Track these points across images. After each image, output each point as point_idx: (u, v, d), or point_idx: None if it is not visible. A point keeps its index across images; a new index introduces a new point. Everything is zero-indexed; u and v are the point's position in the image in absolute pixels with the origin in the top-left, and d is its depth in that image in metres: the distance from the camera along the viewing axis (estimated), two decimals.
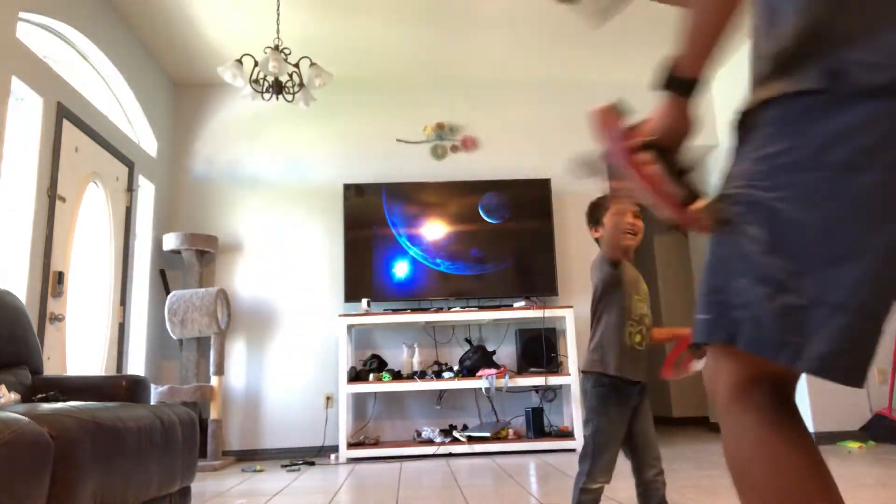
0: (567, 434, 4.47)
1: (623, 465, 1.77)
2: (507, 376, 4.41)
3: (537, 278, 4.88)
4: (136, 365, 4.44)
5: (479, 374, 4.44)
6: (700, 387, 4.45)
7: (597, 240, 1.89)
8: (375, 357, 4.67)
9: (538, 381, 4.48)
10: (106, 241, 4.13)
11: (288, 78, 3.97)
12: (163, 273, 4.85)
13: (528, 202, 5.01)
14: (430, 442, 4.41)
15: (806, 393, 4.27)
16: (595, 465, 1.68)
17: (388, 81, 5.31)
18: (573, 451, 4.31)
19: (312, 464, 4.21)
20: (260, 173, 5.14)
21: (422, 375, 4.53)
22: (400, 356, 4.77)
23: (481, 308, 4.68)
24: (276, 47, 3.84)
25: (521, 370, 4.68)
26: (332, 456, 4.37)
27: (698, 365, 1.72)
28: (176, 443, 2.07)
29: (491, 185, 5.02)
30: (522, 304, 4.63)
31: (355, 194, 4.97)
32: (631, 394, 1.73)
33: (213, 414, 4.34)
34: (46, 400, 2.18)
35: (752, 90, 0.88)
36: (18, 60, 3.18)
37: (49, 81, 3.46)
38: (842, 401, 4.28)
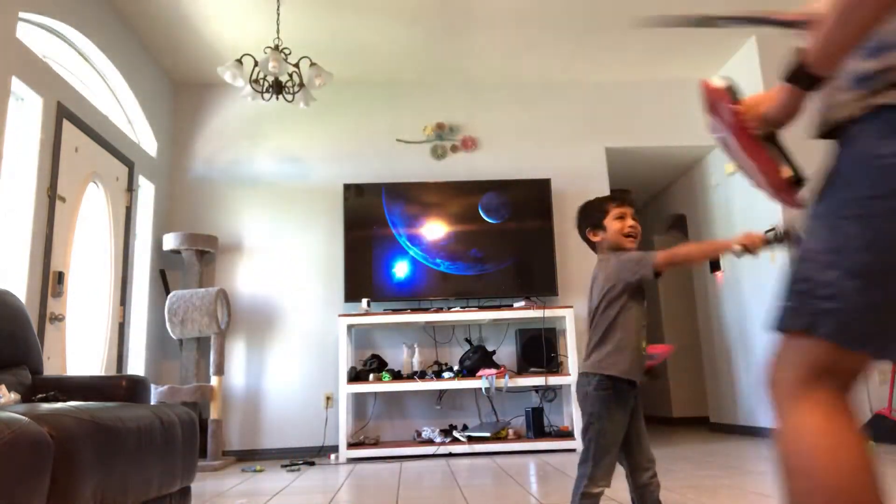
0: (567, 434, 4.47)
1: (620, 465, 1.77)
2: (507, 376, 4.41)
3: (537, 278, 4.88)
4: (136, 365, 4.44)
5: (479, 374, 4.44)
6: (700, 387, 4.46)
7: (593, 243, 1.86)
8: (375, 357, 4.67)
9: (538, 381, 4.48)
10: (106, 241, 4.13)
11: (288, 78, 3.97)
12: (163, 273, 4.85)
13: (528, 202, 5.01)
14: (430, 442, 4.41)
15: None
16: (597, 468, 1.66)
17: (388, 81, 5.31)
18: (573, 451, 4.31)
19: (312, 464, 4.21)
20: (260, 173, 5.14)
21: (422, 375, 4.53)
22: (400, 356, 4.77)
23: (481, 308, 4.68)
24: (276, 47, 3.84)
25: (521, 370, 4.68)
26: (332, 456, 4.37)
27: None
28: (176, 443, 2.07)
29: (491, 185, 5.02)
30: (522, 304, 4.63)
31: (355, 194, 4.97)
32: (630, 396, 1.72)
33: (213, 414, 4.34)
34: (46, 400, 2.18)
35: (856, 97, 0.90)
36: (18, 60, 3.18)
37: (49, 81, 3.46)
38: None
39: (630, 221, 1.79)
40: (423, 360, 4.70)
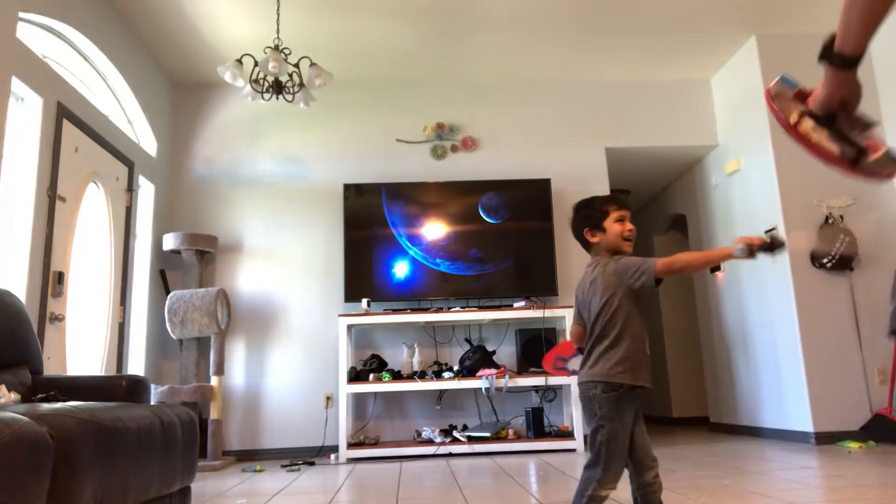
0: (567, 434, 4.47)
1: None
2: (507, 376, 4.41)
3: (537, 278, 4.88)
4: (136, 365, 4.44)
5: (479, 374, 4.44)
6: (700, 387, 4.46)
7: (591, 244, 1.83)
8: (375, 357, 4.67)
9: (538, 381, 4.48)
10: (106, 241, 4.13)
11: (288, 78, 3.97)
12: (163, 273, 4.85)
13: (528, 202, 5.01)
14: (430, 442, 4.42)
15: (806, 393, 4.27)
16: (608, 470, 1.64)
17: (388, 81, 5.31)
18: (573, 451, 4.31)
19: (312, 464, 4.21)
20: (260, 173, 5.14)
21: (422, 375, 4.53)
22: (400, 356, 4.77)
23: (481, 308, 4.68)
24: (276, 47, 3.84)
25: (521, 370, 4.68)
26: (332, 456, 4.37)
27: (573, 366, 1.76)
28: (176, 443, 2.07)
29: (491, 185, 5.02)
30: (522, 304, 4.63)
31: (355, 194, 4.97)
32: (635, 397, 1.71)
33: (213, 414, 4.34)
34: (46, 400, 2.18)
35: None
36: (18, 60, 3.18)
37: (49, 81, 3.46)
38: (842, 401, 4.28)
39: (629, 225, 1.78)
40: (423, 360, 4.70)
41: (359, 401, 4.78)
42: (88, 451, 1.52)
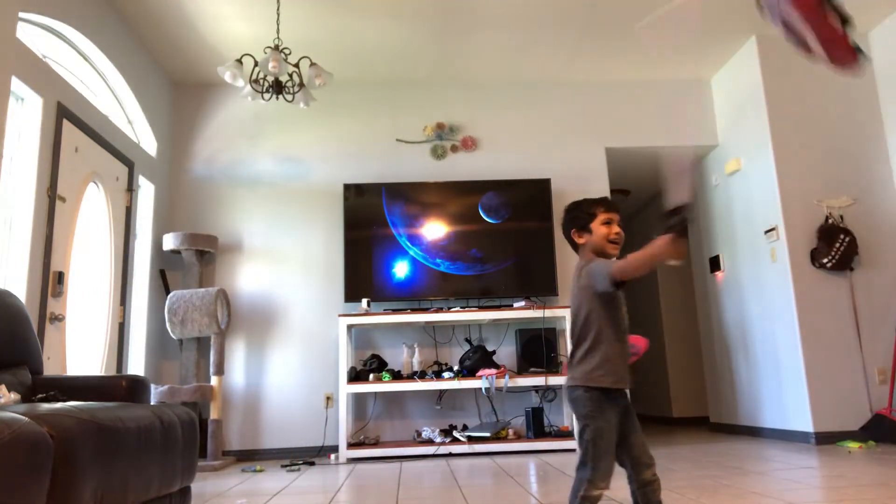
0: (567, 434, 4.48)
1: (619, 466, 1.77)
2: (507, 376, 4.41)
3: (537, 278, 4.88)
4: (136, 365, 4.44)
5: (479, 374, 4.44)
6: (700, 387, 4.46)
7: (579, 245, 1.84)
8: (375, 357, 4.67)
9: (538, 381, 4.48)
10: (106, 241, 4.13)
11: (288, 78, 3.97)
12: (163, 273, 4.85)
13: (528, 202, 5.01)
14: (430, 442, 4.42)
15: (806, 393, 4.27)
16: (597, 470, 1.65)
17: (388, 81, 5.31)
18: (573, 451, 4.32)
19: (312, 464, 4.21)
20: (260, 173, 5.14)
21: (422, 375, 4.53)
22: (400, 356, 4.77)
23: (481, 308, 4.68)
24: (276, 47, 3.84)
25: (521, 370, 4.68)
26: (332, 456, 4.37)
27: None
28: (176, 443, 2.07)
29: (491, 185, 5.02)
30: (522, 304, 4.63)
31: (355, 194, 4.97)
32: (619, 396, 1.72)
33: (213, 414, 4.34)
34: (46, 400, 2.18)
35: None
36: (18, 60, 3.18)
37: (49, 81, 3.46)
38: (842, 401, 4.28)
39: (616, 228, 1.79)
40: (423, 360, 4.71)
41: (359, 401, 4.78)
42: (88, 451, 1.52)
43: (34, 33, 3.54)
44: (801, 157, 4.65)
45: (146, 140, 4.77)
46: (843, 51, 1.09)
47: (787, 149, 4.65)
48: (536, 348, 4.65)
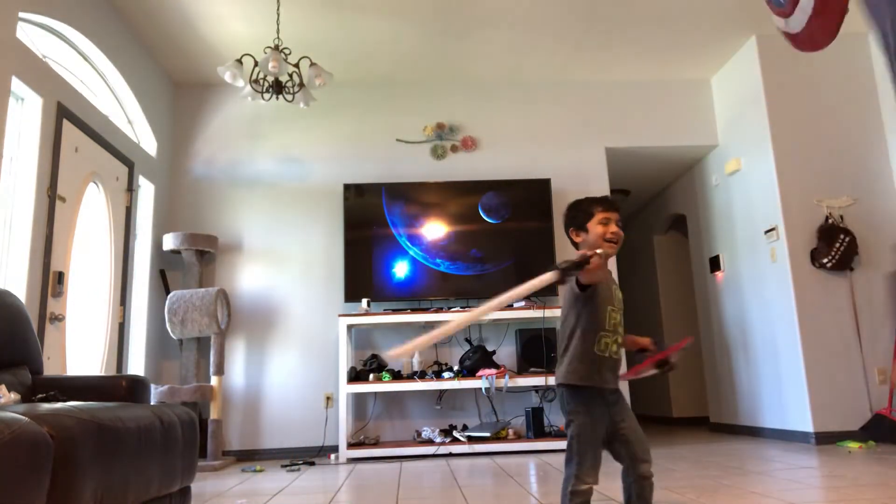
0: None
1: (617, 464, 1.77)
2: (507, 376, 4.41)
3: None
4: (136, 365, 4.44)
5: (479, 374, 4.44)
6: (700, 387, 4.46)
7: (576, 244, 1.87)
8: (375, 357, 4.67)
9: (538, 381, 4.48)
10: (106, 241, 4.13)
11: (288, 78, 3.97)
12: (163, 273, 4.85)
13: (528, 202, 5.01)
14: (430, 442, 4.42)
15: (806, 393, 4.27)
16: (582, 465, 1.67)
17: (388, 81, 5.31)
18: None
19: (312, 464, 4.21)
20: (260, 173, 5.14)
21: (422, 375, 4.53)
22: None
23: None
24: (276, 47, 3.84)
25: (521, 370, 4.68)
26: (332, 456, 4.37)
27: (650, 371, 1.77)
28: (176, 443, 2.07)
29: (491, 185, 5.02)
30: (522, 304, 4.63)
31: (355, 194, 4.97)
32: (606, 393, 1.73)
33: (213, 414, 4.34)
34: (46, 400, 2.18)
35: None
36: (18, 60, 3.18)
37: (49, 81, 3.46)
38: (842, 401, 4.28)
39: (613, 227, 1.80)
40: (423, 360, 4.71)
41: (359, 401, 4.78)
42: (88, 451, 1.52)
43: (34, 33, 3.54)
44: (801, 157, 4.65)
45: (146, 140, 4.77)
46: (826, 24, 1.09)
47: (786, 149, 4.65)
48: (536, 348, 4.65)
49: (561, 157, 5.27)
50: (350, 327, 4.65)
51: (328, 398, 4.77)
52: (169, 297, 4.42)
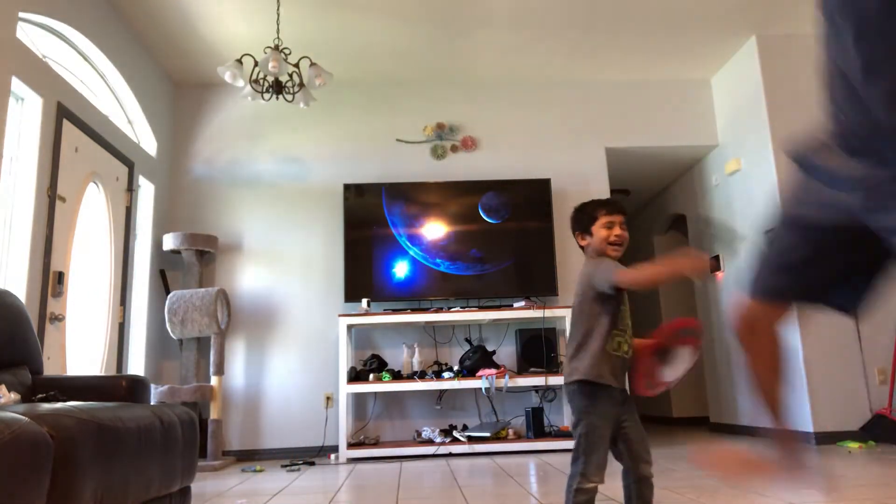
0: (567, 434, 4.47)
1: (618, 464, 1.77)
2: (507, 376, 4.41)
3: (537, 278, 4.88)
4: (136, 365, 4.44)
5: (479, 374, 4.44)
6: (700, 387, 4.45)
7: (583, 247, 1.90)
8: (375, 357, 4.67)
9: (538, 381, 4.48)
10: (106, 241, 4.13)
11: (288, 78, 3.97)
12: (163, 273, 4.85)
13: (528, 202, 5.01)
14: (430, 442, 4.41)
15: (806, 393, 4.27)
16: (589, 463, 1.68)
17: (388, 81, 5.31)
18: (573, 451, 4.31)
19: (312, 464, 4.21)
20: (260, 173, 5.14)
21: (422, 375, 4.53)
22: (400, 356, 4.77)
23: (481, 308, 4.68)
24: (276, 47, 3.84)
25: (521, 370, 4.68)
26: (332, 456, 4.37)
27: (669, 375, 1.75)
28: (176, 443, 2.07)
29: (491, 185, 5.02)
30: (522, 304, 4.63)
31: (355, 194, 4.97)
32: (615, 391, 1.73)
33: (213, 414, 4.34)
34: (46, 400, 2.18)
35: None
36: (18, 60, 3.18)
37: (49, 81, 3.46)
38: (842, 401, 4.28)
39: (617, 231, 1.82)
40: (423, 360, 4.70)
41: (359, 401, 4.78)
42: (88, 451, 1.52)
43: (34, 33, 3.54)
44: None
45: (146, 140, 4.77)
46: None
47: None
48: (536, 348, 4.65)
49: (561, 157, 5.27)
50: (350, 327, 4.65)
51: (328, 398, 4.77)
52: (169, 297, 4.42)
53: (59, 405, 1.70)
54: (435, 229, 4.93)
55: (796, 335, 4.37)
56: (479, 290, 4.85)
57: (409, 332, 4.89)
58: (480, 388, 4.45)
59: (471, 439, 4.40)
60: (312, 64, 4.00)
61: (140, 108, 4.61)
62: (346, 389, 4.39)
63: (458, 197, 5.00)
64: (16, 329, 2.43)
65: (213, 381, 4.38)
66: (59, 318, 3.49)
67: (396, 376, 4.53)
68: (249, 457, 4.65)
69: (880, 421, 4.15)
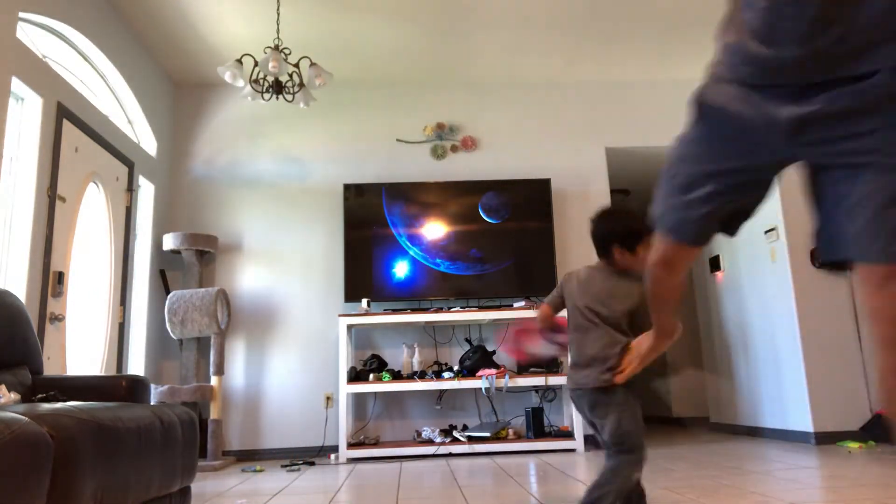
0: (567, 434, 4.47)
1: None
2: (507, 376, 4.41)
3: (537, 278, 4.88)
4: (136, 365, 4.44)
5: (479, 374, 4.44)
6: (700, 387, 4.45)
7: (609, 255, 1.96)
8: (375, 357, 4.67)
9: (538, 381, 4.48)
10: (106, 241, 4.13)
11: (288, 78, 3.97)
12: (163, 273, 4.85)
13: (528, 202, 5.01)
14: (430, 442, 4.41)
15: (806, 393, 4.27)
16: (642, 451, 1.82)
17: (388, 81, 5.31)
18: (573, 451, 4.32)
19: (312, 464, 4.21)
20: (260, 173, 5.14)
21: (422, 375, 4.53)
22: (400, 356, 4.77)
23: (481, 308, 4.68)
24: (276, 47, 3.84)
25: (521, 370, 4.67)
26: (332, 456, 4.37)
27: (535, 350, 1.94)
28: (176, 443, 2.07)
29: (491, 185, 5.02)
30: (522, 304, 4.63)
31: (355, 194, 4.97)
32: (581, 395, 1.96)
33: (213, 414, 4.34)
34: (46, 400, 2.18)
35: None
36: (18, 60, 3.18)
37: (49, 81, 3.46)
38: (842, 401, 4.28)
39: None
40: (423, 360, 4.70)
41: (359, 401, 4.78)
42: (88, 451, 1.52)
43: (34, 33, 3.54)
44: None
45: (146, 140, 4.77)
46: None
47: None
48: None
49: (561, 157, 5.27)
50: (350, 327, 4.65)
51: (328, 398, 4.77)
52: (169, 297, 4.42)
53: (59, 405, 1.70)
54: (435, 229, 4.93)
55: (796, 335, 4.37)
56: (479, 290, 4.86)
57: (409, 332, 4.89)
58: (480, 388, 4.45)
59: (471, 439, 4.40)
60: (312, 64, 4.01)
61: (140, 108, 4.61)
62: (346, 389, 4.39)
63: (458, 197, 5.00)
64: (16, 329, 2.43)
65: (213, 381, 4.38)
66: (59, 318, 3.50)
67: (396, 376, 4.53)
68: (249, 457, 4.65)
69: (880, 421, 4.15)
